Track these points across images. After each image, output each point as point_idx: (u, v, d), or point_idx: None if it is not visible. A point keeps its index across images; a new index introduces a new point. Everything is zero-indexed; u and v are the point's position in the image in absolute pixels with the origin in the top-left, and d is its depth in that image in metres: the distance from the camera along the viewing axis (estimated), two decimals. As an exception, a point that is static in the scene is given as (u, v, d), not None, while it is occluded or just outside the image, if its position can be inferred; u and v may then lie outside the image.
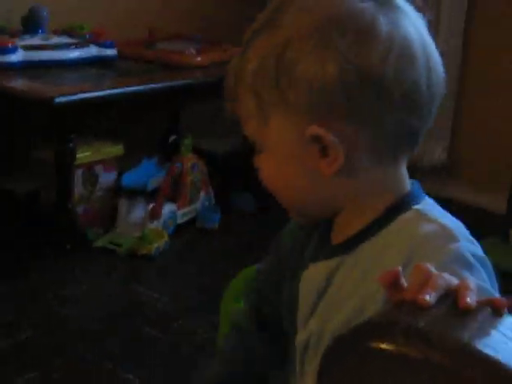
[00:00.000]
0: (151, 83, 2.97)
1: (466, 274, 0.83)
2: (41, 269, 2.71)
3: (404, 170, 0.99)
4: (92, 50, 3.07)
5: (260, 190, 1.04)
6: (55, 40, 3.05)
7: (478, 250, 0.92)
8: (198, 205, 3.13)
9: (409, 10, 0.95)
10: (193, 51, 3.18)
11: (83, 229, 2.90)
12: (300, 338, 1.02)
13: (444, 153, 3.48)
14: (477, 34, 3.39)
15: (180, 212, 3.05)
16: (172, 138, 3.21)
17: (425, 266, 0.69)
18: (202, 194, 3.16)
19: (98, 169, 2.99)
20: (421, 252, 0.88)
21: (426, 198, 0.99)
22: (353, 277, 0.95)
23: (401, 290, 0.68)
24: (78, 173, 2.90)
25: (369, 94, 0.90)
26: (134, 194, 3.00)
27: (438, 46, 0.97)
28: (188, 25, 3.62)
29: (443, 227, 0.92)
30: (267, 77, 0.92)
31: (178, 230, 3.01)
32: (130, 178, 3.04)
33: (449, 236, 0.91)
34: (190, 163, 3.10)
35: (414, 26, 0.94)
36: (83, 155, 2.90)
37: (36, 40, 3.00)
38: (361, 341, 0.65)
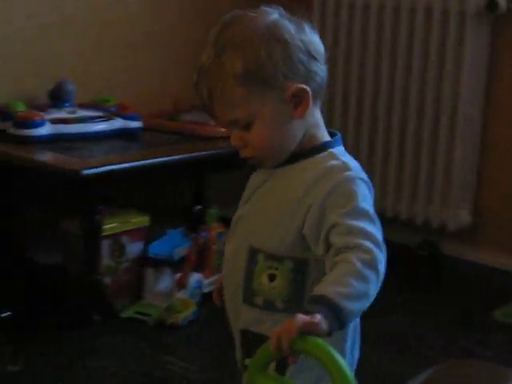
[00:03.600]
0: (176, 154, 3.01)
1: (354, 188, 1.31)
2: (68, 340, 2.71)
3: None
4: (118, 123, 3.12)
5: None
6: (81, 113, 3.10)
7: (363, 176, 1.36)
8: (224, 274, 3.12)
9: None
10: (216, 122, 3.20)
11: (111, 300, 2.91)
12: (236, 214, 1.46)
13: (468, 216, 3.47)
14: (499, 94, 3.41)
15: (206, 281, 3.05)
16: (197, 208, 3.22)
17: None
18: (228, 263, 3.15)
19: (125, 239, 3.00)
20: (326, 176, 1.34)
21: (341, 146, 1.42)
22: (277, 185, 1.40)
23: None
24: (105, 244, 2.92)
25: (310, 58, 1.36)
26: (161, 264, 3.01)
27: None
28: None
29: (343, 162, 1.36)
30: (255, 73, 1.32)
31: (205, 299, 3.01)
32: (157, 248, 3.06)
33: (345, 168, 1.35)
34: (215, 232, 3.11)
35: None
36: (110, 226, 2.92)
37: (63, 113, 3.06)
38: None
